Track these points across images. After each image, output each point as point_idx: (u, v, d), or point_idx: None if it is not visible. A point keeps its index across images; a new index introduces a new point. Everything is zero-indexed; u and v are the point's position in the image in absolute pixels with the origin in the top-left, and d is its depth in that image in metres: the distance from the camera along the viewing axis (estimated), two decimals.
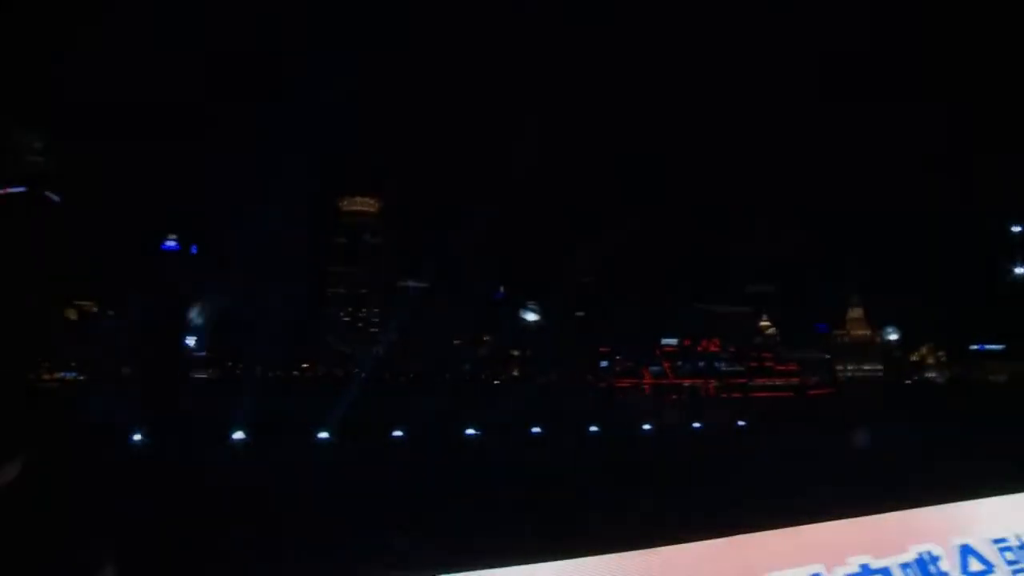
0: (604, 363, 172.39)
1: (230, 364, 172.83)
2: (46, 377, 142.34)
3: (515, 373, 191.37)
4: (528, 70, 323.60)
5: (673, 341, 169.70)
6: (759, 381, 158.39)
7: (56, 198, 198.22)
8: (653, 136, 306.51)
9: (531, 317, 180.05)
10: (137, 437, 39.60)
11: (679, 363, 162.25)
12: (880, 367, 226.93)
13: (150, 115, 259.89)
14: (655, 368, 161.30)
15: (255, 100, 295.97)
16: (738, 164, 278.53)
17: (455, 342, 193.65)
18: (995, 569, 8.35)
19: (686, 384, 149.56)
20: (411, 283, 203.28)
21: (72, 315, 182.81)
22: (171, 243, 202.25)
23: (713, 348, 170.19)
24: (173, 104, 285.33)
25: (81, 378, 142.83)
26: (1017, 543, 8.58)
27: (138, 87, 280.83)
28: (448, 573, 6.10)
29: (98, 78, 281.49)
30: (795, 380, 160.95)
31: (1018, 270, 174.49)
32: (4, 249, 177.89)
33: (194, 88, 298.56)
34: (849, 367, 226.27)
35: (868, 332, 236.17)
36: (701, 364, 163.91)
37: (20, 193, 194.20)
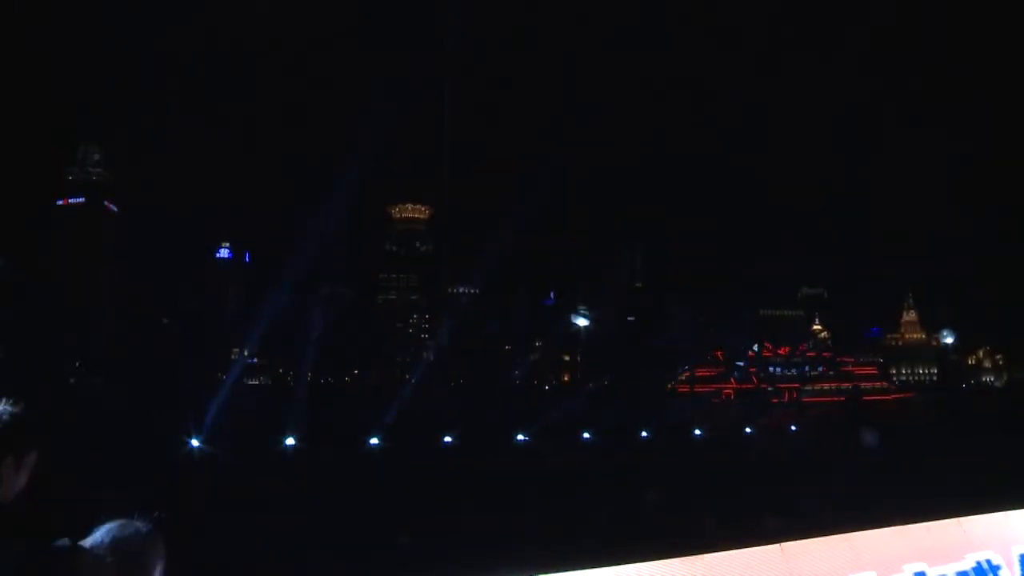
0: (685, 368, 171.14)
1: (281, 371, 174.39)
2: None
3: (565, 379, 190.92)
4: (579, 72, 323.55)
5: (755, 347, 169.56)
6: (816, 386, 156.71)
7: (115, 208, 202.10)
8: (704, 140, 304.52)
9: (582, 323, 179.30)
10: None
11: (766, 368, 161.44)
12: (935, 371, 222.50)
13: (202, 124, 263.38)
14: (737, 373, 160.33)
15: (306, 106, 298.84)
16: (789, 166, 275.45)
17: (506, 347, 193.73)
18: None
19: (769, 389, 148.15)
20: (462, 289, 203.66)
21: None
22: (225, 251, 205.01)
23: (782, 352, 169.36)
24: (224, 112, 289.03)
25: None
26: None
27: (190, 95, 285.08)
28: None
29: (153, 85, 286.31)
30: (848, 384, 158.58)
31: None
32: (66, 258, 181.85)
33: (245, 95, 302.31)
34: (903, 371, 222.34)
35: (923, 335, 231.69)
36: (779, 370, 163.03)
37: (80, 203, 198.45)
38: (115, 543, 3.51)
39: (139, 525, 3.59)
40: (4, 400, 3.74)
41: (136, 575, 3.52)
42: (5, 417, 3.69)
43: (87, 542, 3.48)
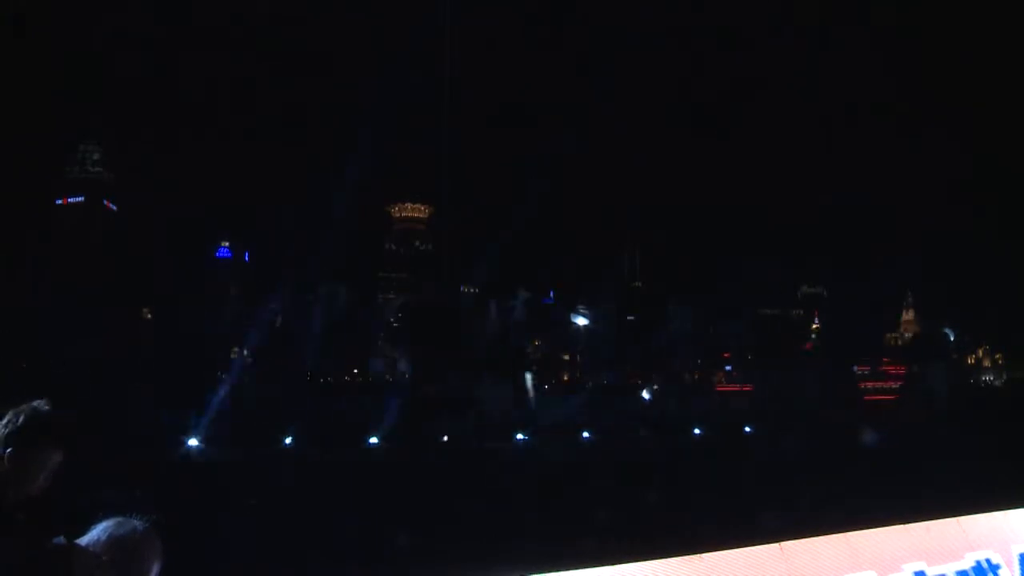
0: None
1: (280, 371, 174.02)
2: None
3: (565, 378, 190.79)
4: (580, 72, 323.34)
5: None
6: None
7: (114, 207, 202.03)
8: (704, 139, 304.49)
9: (581, 321, 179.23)
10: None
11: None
12: None
13: (202, 123, 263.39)
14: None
15: (306, 106, 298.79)
16: (786, 163, 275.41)
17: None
18: None
19: None
20: (462, 288, 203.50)
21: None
22: (224, 250, 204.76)
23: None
24: (224, 111, 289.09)
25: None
26: None
27: (190, 94, 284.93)
28: None
29: (153, 84, 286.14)
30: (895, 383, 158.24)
31: None
32: (65, 257, 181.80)
33: (245, 95, 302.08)
34: None
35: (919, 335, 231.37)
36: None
37: (79, 203, 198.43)
38: (111, 541, 3.51)
39: (136, 523, 3.60)
40: (34, 401, 3.84)
41: (133, 573, 3.52)
42: (37, 413, 3.77)
43: (84, 540, 3.48)
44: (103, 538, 3.52)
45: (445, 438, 45.43)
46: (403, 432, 43.81)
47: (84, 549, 3.44)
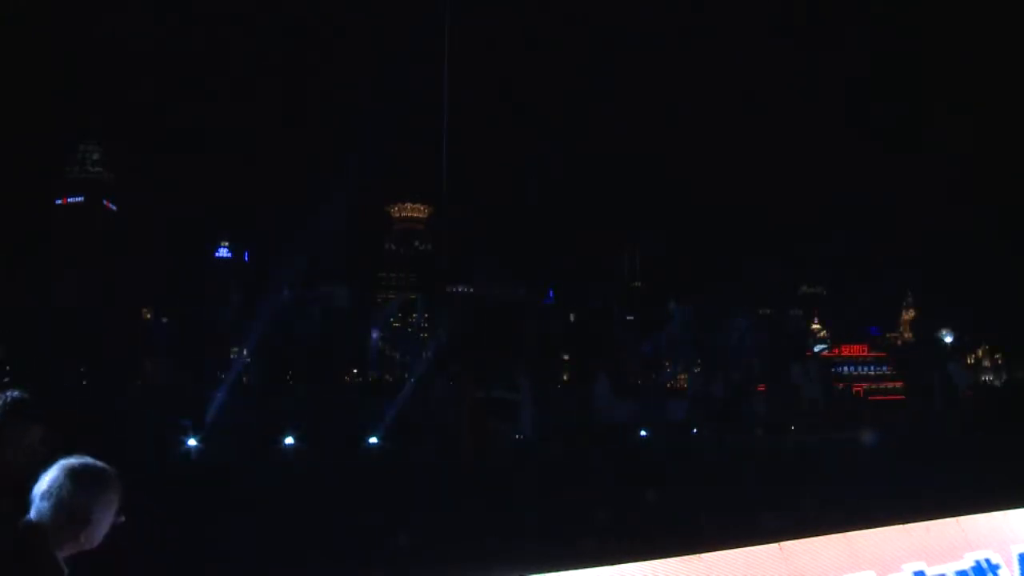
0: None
1: (280, 371, 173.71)
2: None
3: (565, 379, 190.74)
4: (580, 72, 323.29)
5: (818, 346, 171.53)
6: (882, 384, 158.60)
7: (114, 207, 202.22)
8: (700, 137, 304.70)
9: (580, 322, 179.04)
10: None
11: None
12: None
13: (202, 123, 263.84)
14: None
15: (306, 106, 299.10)
16: (785, 161, 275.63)
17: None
18: None
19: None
20: (461, 288, 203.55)
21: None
22: (224, 250, 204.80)
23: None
24: (224, 111, 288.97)
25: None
26: None
27: (190, 94, 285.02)
28: None
29: (153, 84, 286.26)
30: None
31: None
32: (65, 257, 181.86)
33: (245, 95, 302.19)
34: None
35: (922, 335, 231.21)
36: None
37: (79, 203, 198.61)
38: (70, 468, 3.52)
39: (89, 458, 3.62)
40: (15, 388, 3.91)
41: (100, 500, 3.52)
42: (10, 398, 3.83)
43: (43, 478, 3.50)
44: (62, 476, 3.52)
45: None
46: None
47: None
